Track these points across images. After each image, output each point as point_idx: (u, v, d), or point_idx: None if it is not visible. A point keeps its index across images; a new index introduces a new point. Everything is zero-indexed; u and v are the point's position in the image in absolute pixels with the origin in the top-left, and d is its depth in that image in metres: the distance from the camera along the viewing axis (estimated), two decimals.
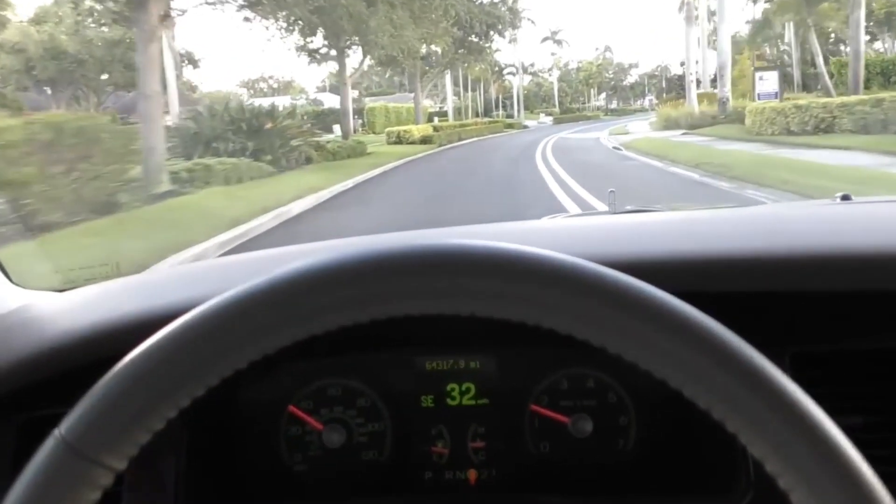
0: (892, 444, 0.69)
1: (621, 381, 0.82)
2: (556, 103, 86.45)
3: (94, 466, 0.38)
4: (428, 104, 72.31)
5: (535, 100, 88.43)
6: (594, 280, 0.39)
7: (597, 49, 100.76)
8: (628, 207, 1.46)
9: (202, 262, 1.10)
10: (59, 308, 0.86)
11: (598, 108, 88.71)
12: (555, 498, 0.80)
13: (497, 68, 70.36)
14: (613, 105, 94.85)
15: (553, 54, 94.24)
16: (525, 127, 53.26)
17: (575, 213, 2.06)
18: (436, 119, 54.29)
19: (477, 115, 65.04)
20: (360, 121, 51.11)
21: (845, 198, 1.22)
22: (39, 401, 0.74)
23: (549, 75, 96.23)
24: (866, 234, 0.83)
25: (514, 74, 72.06)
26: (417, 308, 0.40)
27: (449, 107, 58.69)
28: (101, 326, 0.74)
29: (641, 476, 0.81)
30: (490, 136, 38.73)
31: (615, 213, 1.45)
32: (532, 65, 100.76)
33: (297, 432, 0.84)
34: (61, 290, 0.98)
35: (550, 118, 70.94)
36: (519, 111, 70.68)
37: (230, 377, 0.40)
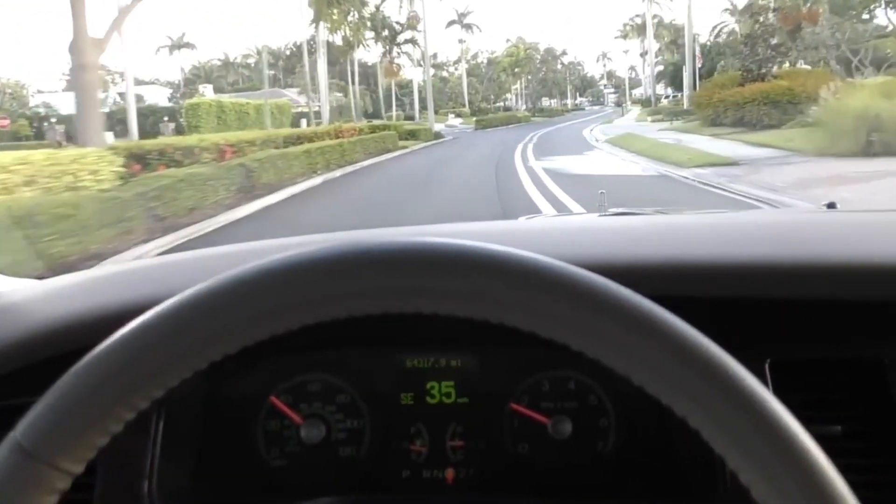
0: (870, 453, 0.70)
1: (602, 384, 0.82)
2: (466, 102, 69.37)
3: (49, 470, 0.37)
4: (301, 102, 54.30)
5: (441, 97, 71.00)
6: (552, 276, 0.38)
7: (508, 40, 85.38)
8: (613, 210, 1.43)
9: (185, 254, 1.02)
10: (36, 297, 0.85)
11: (516, 108, 72.19)
12: (533, 499, 0.79)
13: (388, 33, 51.90)
14: (544, 104, 78.86)
15: (461, 42, 77.02)
16: (438, 137, 33.61)
17: (556, 214, 2.03)
18: (304, 122, 35.81)
19: (368, 116, 46.92)
20: (172, 124, 32.08)
21: (830, 206, 1.22)
22: (12, 390, 0.71)
23: (456, 68, 79.48)
24: (848, 244, 0.84)
25: (413, 45, 53.15)
26: (381, 306, 0.39)
27: (323, 105, 39.45)
28: (75, 317, 0.75)
29: (620, 479, 0.81)
30: (356, 165, 17.67)
31: (599, 215, 1.42)
32: (434, 55, 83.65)
33: (276, 427, 0.84)
34: (40, 279, 0.97)
35: (460, 120, 53.74)
36: (427, 110, 52.23)
37: (207, 370, 0.40)
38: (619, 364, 0.38)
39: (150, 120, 32.81)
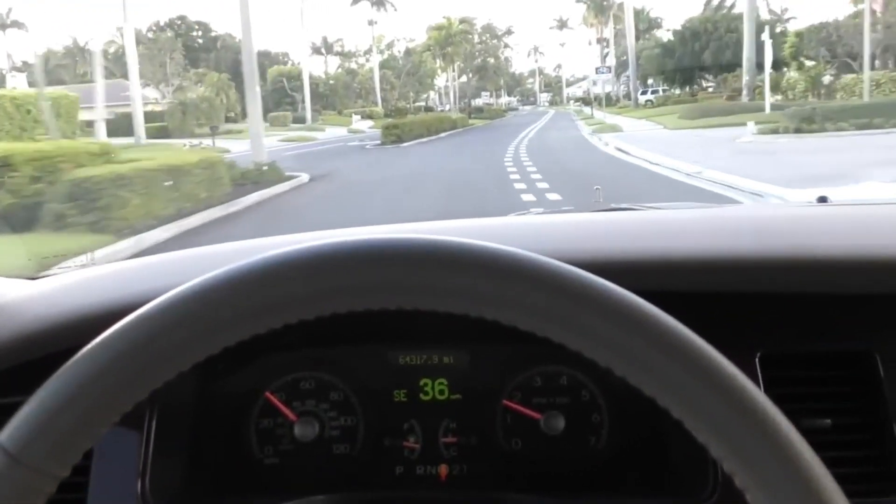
0: (859, 445, 0.71)
1: (594, 380, 0.83)
2: (379, 100, 54.79)
3: (34, 475, 0.37)
4: (151, 97, 38.94)
5: (348, 93, 56.15)
6: (531, 270, 0.38)
7: (429, 27, 71.64)
8: (606, 206, 1.43)
9: (174, 253, 1.02)
10: (29, 296, 0.85)
11: (442, 107, 58.04)
12: (525, 495, 0.79)
13: None
14: (478, 102, 64.72)
15: (372, 23, 62.17)
16: (259, 180, 17.02)
17: (548, 210, 1.89)
18: (101, 131, 20.59)
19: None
20: None
21: (822, 199, 1.22)
22: (4, 389, 0.71)
23: (367, 59, 64.68)
24: (839, 238, 0.85)
25: None
26: (357, 304, 0.39)
27: (98, 103, 23.26)
28: (65, 317, 0.75)
29: (612, 474, 0.81)
30: None
31: (593, 210, 1.41)
32: (340, 41, 68.57)
33: (269, 425, 0.84)
34: (34, 278, 0.98)
35: (370, 123, 39.36)
36: (330, 110, 37.03)
37: (199, 369, 0.39)
38: (600, 356, 0.38)
39: None
